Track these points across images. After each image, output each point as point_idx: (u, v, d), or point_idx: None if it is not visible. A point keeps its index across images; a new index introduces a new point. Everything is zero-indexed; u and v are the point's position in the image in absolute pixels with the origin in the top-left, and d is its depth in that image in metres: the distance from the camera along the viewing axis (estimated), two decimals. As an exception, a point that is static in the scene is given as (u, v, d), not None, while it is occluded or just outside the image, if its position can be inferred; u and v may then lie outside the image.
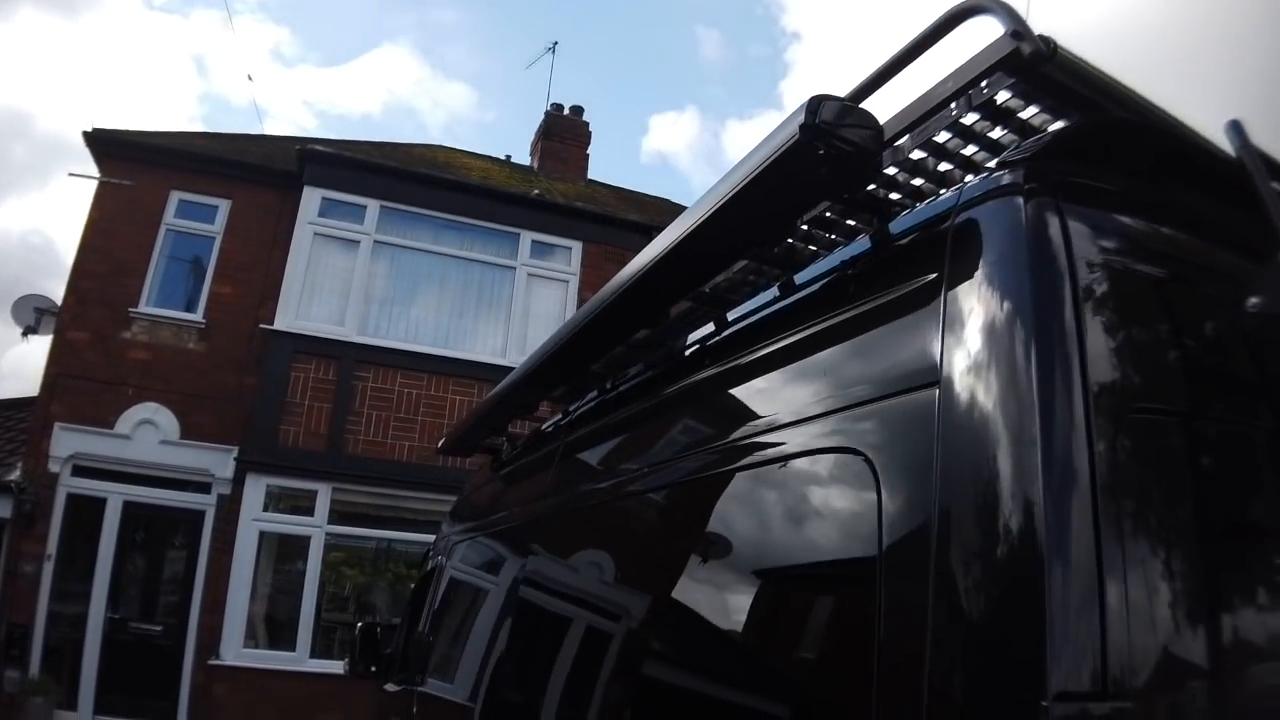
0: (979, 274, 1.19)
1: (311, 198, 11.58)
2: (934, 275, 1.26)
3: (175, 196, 11.55)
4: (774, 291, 1.85)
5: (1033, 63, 1.32)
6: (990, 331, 1.13)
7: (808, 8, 54.27)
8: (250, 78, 37.11)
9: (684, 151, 62.42)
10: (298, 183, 11.67)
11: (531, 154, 16.57)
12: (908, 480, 1.16)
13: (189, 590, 10.51)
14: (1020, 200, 1.20)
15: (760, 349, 1.74)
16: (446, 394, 11.85)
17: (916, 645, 1.05)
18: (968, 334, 1.16)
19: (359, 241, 11.75)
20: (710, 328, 2.08)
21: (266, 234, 11.56)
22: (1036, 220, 1.17)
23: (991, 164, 1.50)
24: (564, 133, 16.24)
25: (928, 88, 1.50)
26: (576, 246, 13.22)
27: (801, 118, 1.30)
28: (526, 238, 12.82)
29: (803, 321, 1.60)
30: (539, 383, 2.98)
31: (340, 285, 11.64)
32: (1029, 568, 0.97)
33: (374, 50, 55.41)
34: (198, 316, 11.32)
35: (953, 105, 1.48)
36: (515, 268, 12.70)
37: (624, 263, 8.70)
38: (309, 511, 11.02)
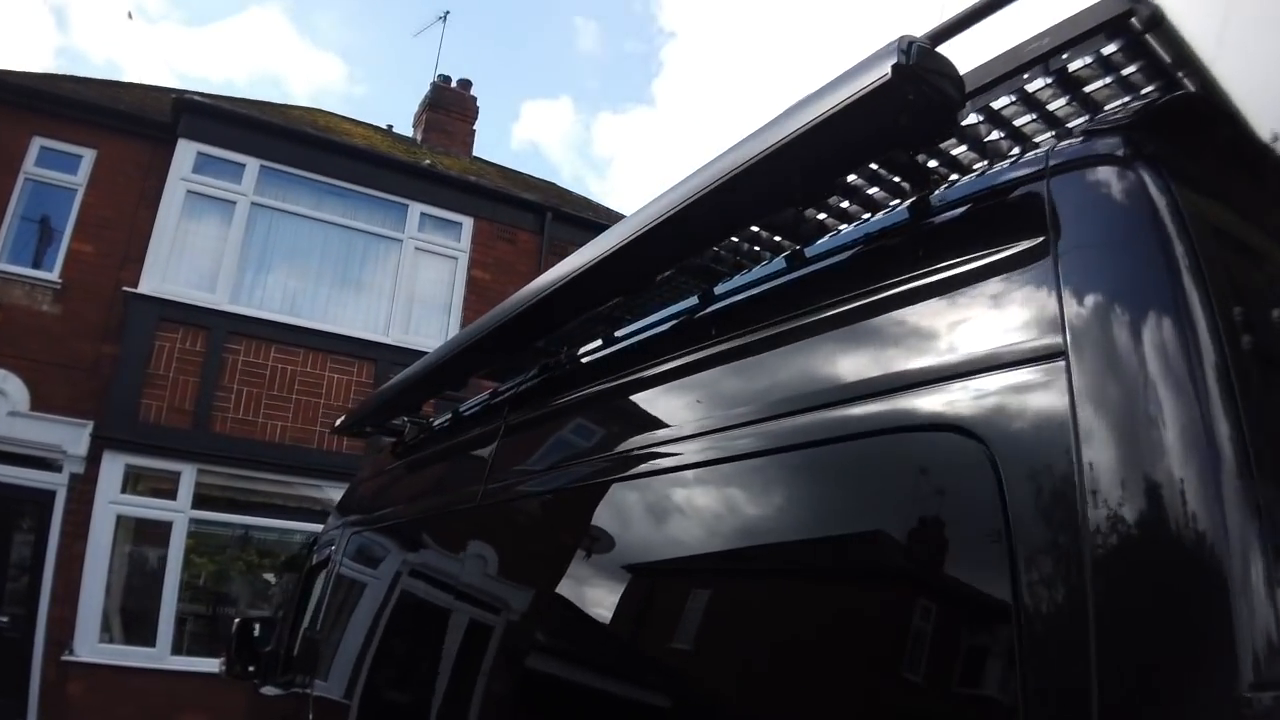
0: (1099, 242, 1.16)
1: (186, 152, 10.99)
2: (1037, 241, 1.21)
3: (37, 143, 10.77)
4: (827, 245, 1.71)
5: (1147, 27, 1.35)
6: (1124, 303, 1.10)
7: (684, 6, 55.47)
8: (130, 15, 35.32)
9: (555, 141, 62.86)
10: (171, 136, 11.05)
11: (415, 126, 16.28)
12: (1038, 465, 1.08)
13: (38, 578, 9.74)
14: (1132, 169, 1.19)
15: (798, 318, 1.61)
16: (324, 372, 11.48)
17: (1075, 650, 0.98)
18: (1095, 305, 1.11)
19: (235, 202, 11.22)
20: (740, 285, 1.92)
21: (134, 189, 10.89)
22: (1147, 189, 1.16)
23: (1046, 135, 1.56)
24: (451, 106, 16.01)
25: (1014, 44, 1.47)
26: (467, 223, 13.08)
27: (893, 57, 1.24)
28: (415, 210, 12.59)
29: (859, 286, 1.50)
30: (486, 351, 2.72)
31: (213, 249, 11.08)
32: (1210, 556, 0.94)
33: (242, 12, 53.65)
34: (53, 276, 10.54)
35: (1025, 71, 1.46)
36: (402, 240, 12.46)
37: (515, 243, 10.40)
38: (171, 495, 10.44)
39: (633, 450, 1.98)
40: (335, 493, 11.50)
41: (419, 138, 15.73)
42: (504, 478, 2.54)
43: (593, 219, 14.67)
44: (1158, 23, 1.36)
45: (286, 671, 4.17)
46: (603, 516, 2.05)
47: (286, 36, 54.69)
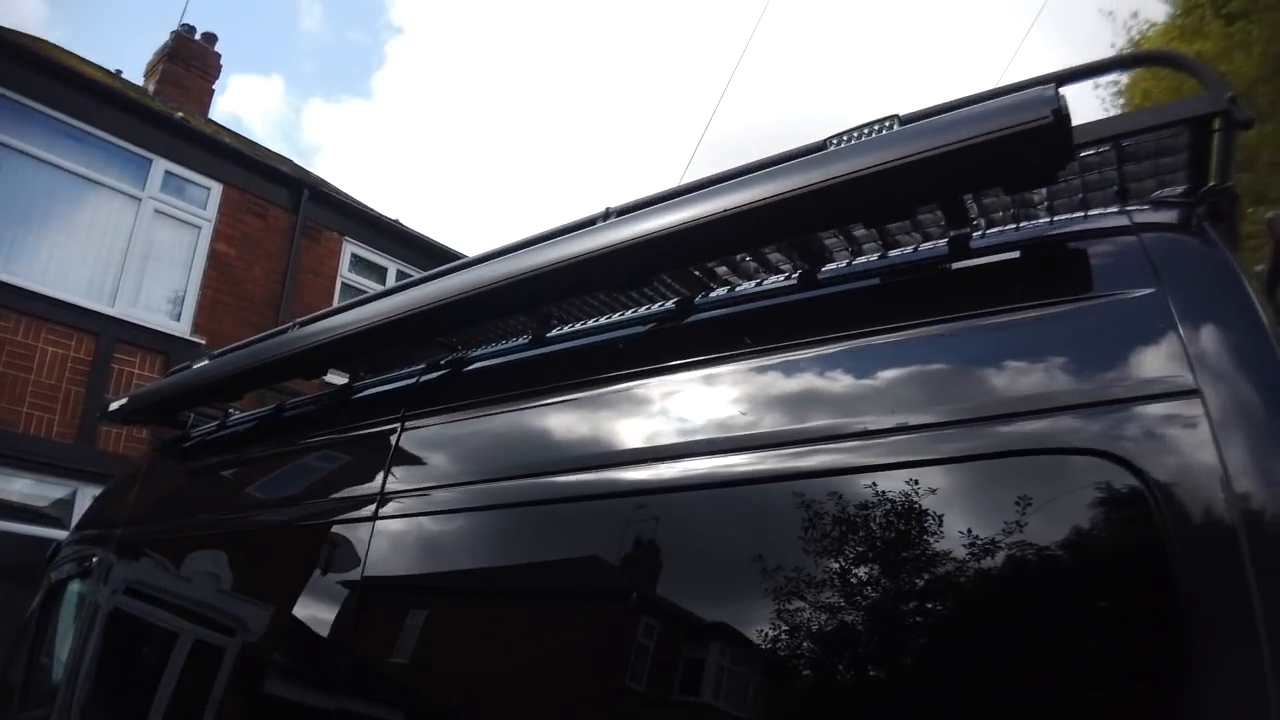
0: (1204, 295, 1.40)
1: (-95, 63, 9.50)
2: (1149, 291, 1.41)
3: None
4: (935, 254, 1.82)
5: (1226, 127, 1.65)
6: (1243, 345, 1.32)
7: (417, 3, 55.33)
8: None
9: (260, 119, 60.24)
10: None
11: (147, 76, 14.99)
12: (1188, 487, 1.25)
13: None
14: (1213, 237, 1.49)
15: (873, 335, 1.69)
16: (36, 343, 10.35)
17: (1246, 651, 1.13)
18: (1218, 348, 1.32)
19: (-46, 131, 9.80)
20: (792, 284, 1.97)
21: None
22: (1227, 254, 1.46)
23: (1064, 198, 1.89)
24: (191, 60, 14.91)
25: (1109, 114, 1.84)
26: (216, 189, 12.35)
27: (1054, 102, 1.39)
28: (160, 166, 11.70)
29: (956, 310, 1.62)
30: (382, 337, 2.45)
31: (-83, 183, 9.61)
32: None
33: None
34: None
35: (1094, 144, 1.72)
36: (140, 199, 11.51)
37: (266, 217, 10.58)
38: None
39: (629, 457, 1.91)
40: (43, 489, 10.39)
41: (151, 89, 14.56)
42: (411, 486, 2.33)
43: (353, 204, 14.34)
44: (1244, 127, 1.66)
45: (26, 708, 3.68)
46: (598, 535, 1.96)
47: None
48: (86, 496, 10.26)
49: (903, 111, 1.74)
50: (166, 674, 2.79)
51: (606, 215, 2.11)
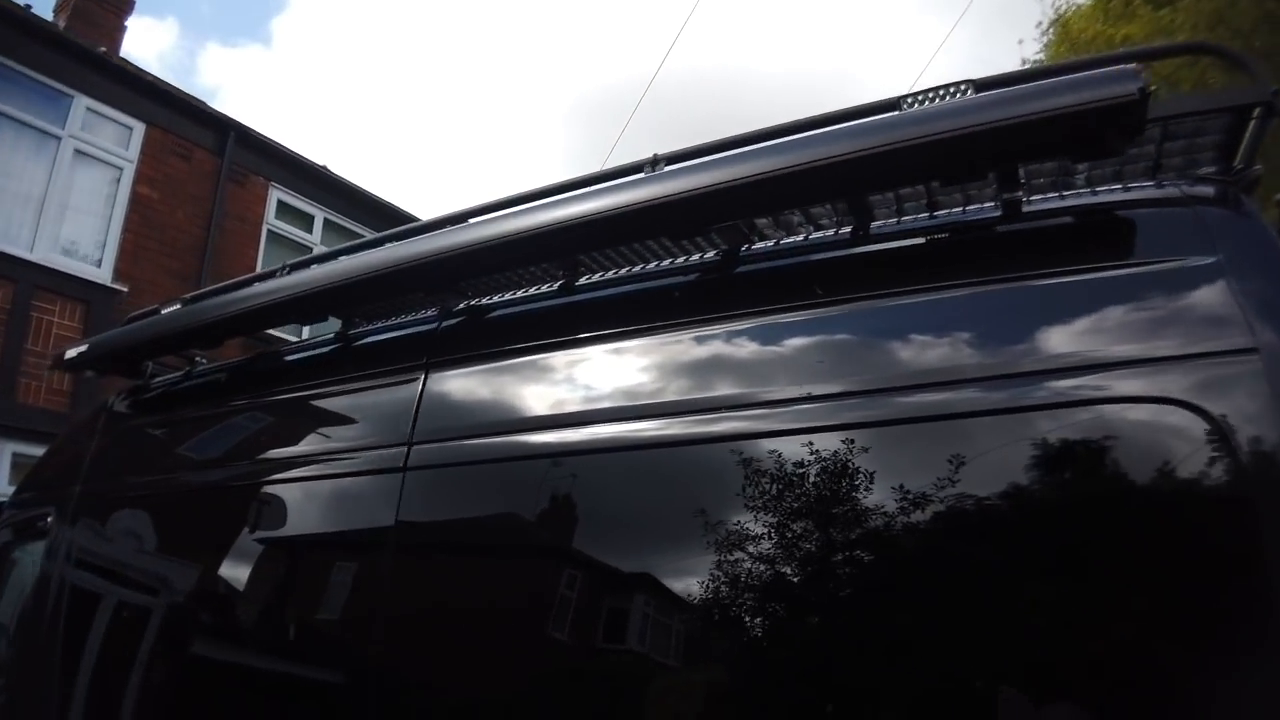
0: (1257, 265, 1.54)
1: None
2: (1211, 260, 1.55)
3: None
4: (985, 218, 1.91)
5: (1265, 115, 1.79)
6: None
7: (316, -58, 53.68)
8: None
9: (154, 62, 57.97)
10: None
11: (57, 11, 14.32)
12: (1251, 434, 1.40)
13: None
14: (1254, 211, 1.63)
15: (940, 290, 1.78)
16: (-51, 291, 9.81)
17: None
18: (1270, 309, 1.47)
19: None
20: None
21: None
22: (1263, 223, 1.60)
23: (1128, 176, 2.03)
24: (105, -7, 14.45)
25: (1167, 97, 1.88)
26: (139, 128, 11.87)
27: (1139, 80, 1.48)
28: (81, 103, 11.17)
29: (1021, 269, 1.73)
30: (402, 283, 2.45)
31: None
32: None
33: None
34: None
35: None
36: (61, 138, 10.96)
37: (191, 160, 9.91)
38: None
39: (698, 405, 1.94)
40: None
41: (62, 25, 13.95)
42: (443, 435, 2.28)
43: (281, 149, 14.01)
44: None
45: None
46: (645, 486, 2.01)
47: None
48: (6, 452, 9.96)
49: (974, 77, 1.84)
50: (149, 641, 2.70)
51: (655, 162, 2.16)
